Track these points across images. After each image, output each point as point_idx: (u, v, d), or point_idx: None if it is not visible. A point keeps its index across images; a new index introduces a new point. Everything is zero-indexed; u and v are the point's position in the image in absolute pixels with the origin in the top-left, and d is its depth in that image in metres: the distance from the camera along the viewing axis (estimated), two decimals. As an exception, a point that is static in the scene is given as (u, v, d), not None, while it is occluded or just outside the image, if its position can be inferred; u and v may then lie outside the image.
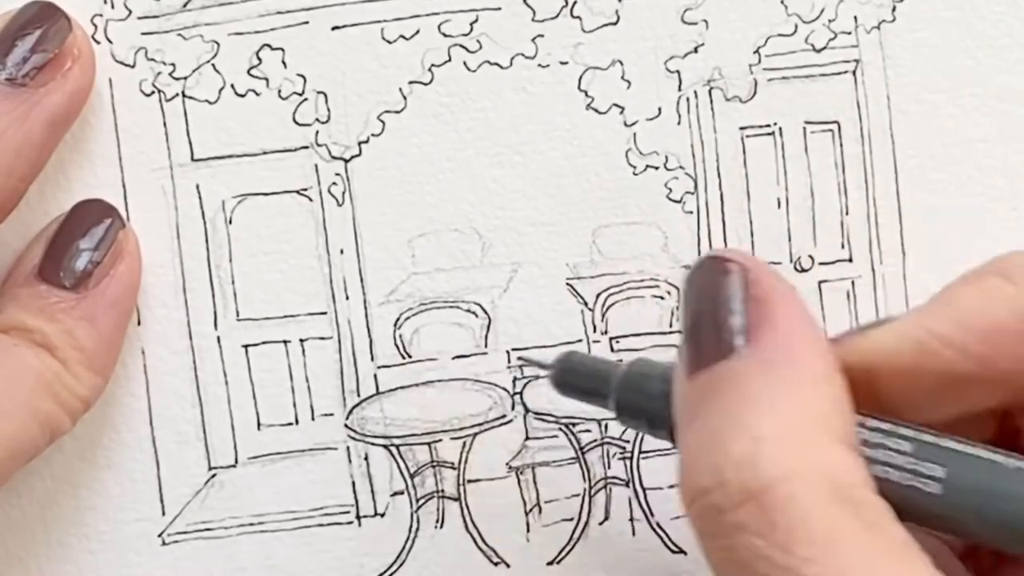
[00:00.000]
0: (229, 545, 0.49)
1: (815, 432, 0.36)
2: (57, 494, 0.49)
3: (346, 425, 0.49)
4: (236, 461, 0.50)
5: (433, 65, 0.49)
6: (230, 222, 0.49)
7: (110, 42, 0.48)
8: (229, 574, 0.49)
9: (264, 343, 0.49)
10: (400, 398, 0.49)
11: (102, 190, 0.48)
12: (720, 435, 0.36)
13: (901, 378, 0.38)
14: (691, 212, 0.49)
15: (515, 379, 0.49)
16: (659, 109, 0.49)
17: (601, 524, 0.49)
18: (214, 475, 0.50)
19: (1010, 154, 0.49)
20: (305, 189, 0.49)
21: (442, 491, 0.50)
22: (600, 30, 0.49)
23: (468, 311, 0.49)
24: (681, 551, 0.49)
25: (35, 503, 0.49)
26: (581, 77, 0.49)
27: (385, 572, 0.50)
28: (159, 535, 0.49)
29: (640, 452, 0.49)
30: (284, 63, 0.49)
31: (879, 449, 0.38)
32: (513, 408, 0.49)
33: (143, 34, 0.48)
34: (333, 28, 0.48)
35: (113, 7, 0.48)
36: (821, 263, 0.49)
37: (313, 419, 0.50)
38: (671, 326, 0.49)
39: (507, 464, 0.50)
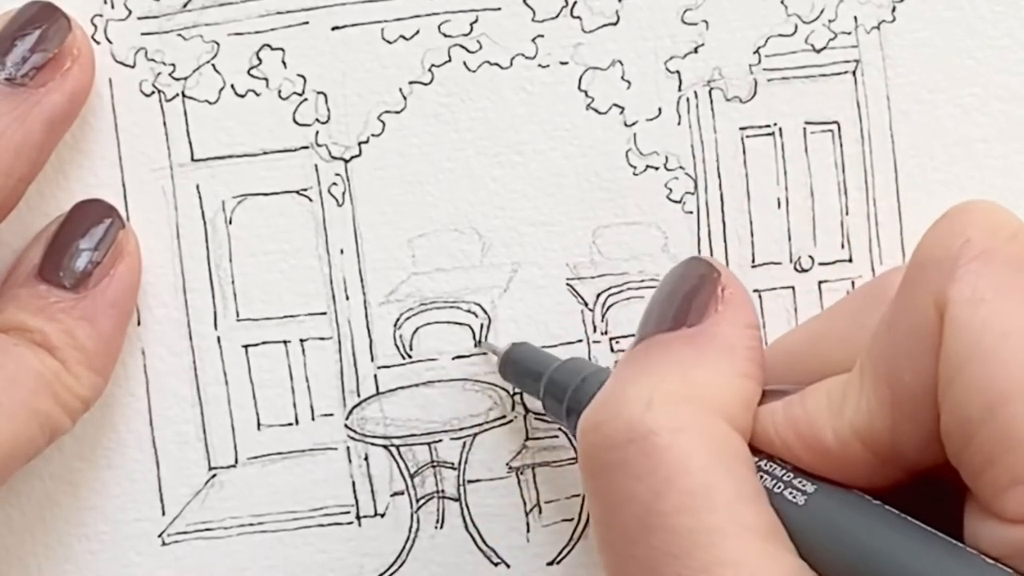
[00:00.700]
0: (229, 545, 0.49)
1: (716, 406, 0.37)
2: (57, 494, 0.49)
3: (346, 425, 0.49)
4: (236, 461, 0.50)
5: (433, 65, 0.49)
6: (230, 222, 0.49)
7: (110, 42, 0.48)
8: (229, 574, 0.49)
9: (264, 343, 0.49)
10: (400, 398, 0.49)
11: (102, 190, 0.48)
12: (629, 382, 0.38)
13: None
14: (691, 212, 0.49)
15: (515, 379, 0.49)
16: (659, 109, 0.49)
17: (601, 524, 0.49)
18: (214, 475, 0.50)
19: (1010, 154, 0.49)
20: (305, 189, 0.49)
21: (442, 491, 0.50)
22: (600, 30, 0.49)
23: (468, 311, 0.49)
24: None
25: (35, 503, 0.49)
26: (581, 77, 0.49)
27: (385, 572, 0.50)
28: (159, 535, 0.49)
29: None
30: (284, 63, 0.49)
31: (765, 459, 0.38)
32: (513, 408, 0.49)
33: (143, 34, 0.48)
34: (333, 28, 0.49)
35: (113, 7, 0.48)
36: (821, 263, 0.49)
37: (313, 419, 0.50)
38: (671, 326, 0.49)
39: (507, 464, 0.50)
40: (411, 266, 0.49)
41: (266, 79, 0.49)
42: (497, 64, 0.49)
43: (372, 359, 0.50)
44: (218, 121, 0.49)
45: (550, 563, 0.50)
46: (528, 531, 0.50)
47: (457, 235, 0.49)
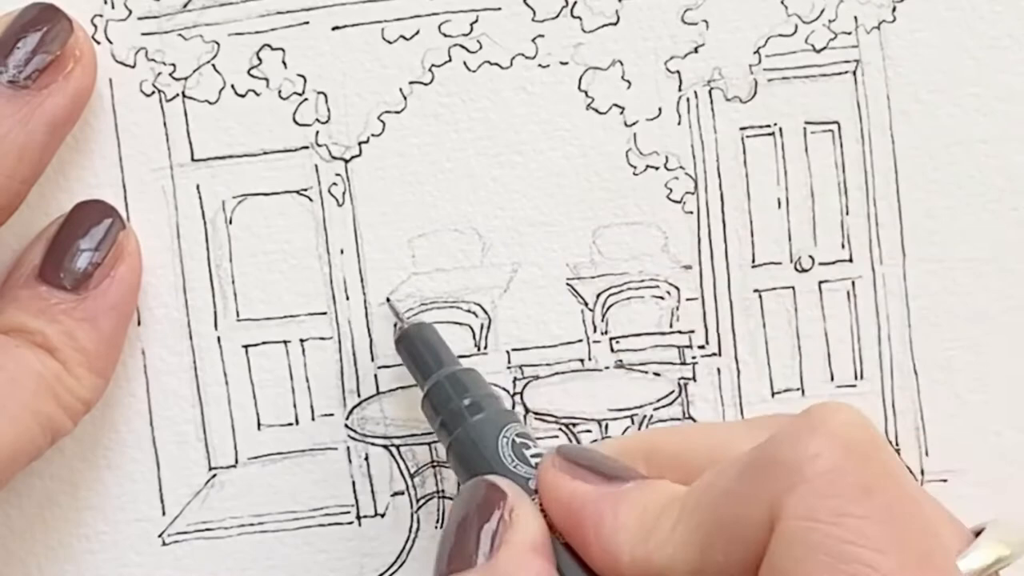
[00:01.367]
0: (229, 545, 0.49)
1: None
2: (57, 494, 0.49)
3: (346, 425, 0.49)
4: (236, 461, 0.50)
5: (433, 65, 0.49)
6: (230, 222, 0.49)
7: (110, 42, 0.48)
8: (229, 574, 0.49)
9: (264, 343, 0.49)
10: (400, 398, 0.49)
11: (102, 190, 0.48)
12: None
13: None
14: (691, 212, 0.49)
15: (515, 379, 0.49)
16: (659, 109, 0.49)
17: (601, 524, 0.49)
18: (214, 475, 0.50)
19: (1010, 154, 0.49)
20: (305, 189, 0.49)
21: (442, 491, 0.50)
22: (600, 30, 0.49)
23: (468, 311, 0.49)
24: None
25: (35, 503, 0.49)
26: (581, 77, 0.49)
27: (385, 572, 0.50)
28: (159, 535, 0.49)
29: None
30: (284, 63, 0.49)
31: None
32: (513, 408, 0.49)
33: (143, 34, 0.48)
34: (333, 28, 0.48)
35: (113, 7, 0.48)
36: (821, 263, 0.49)
37: (313, 419, 0.50)
38: (671, 326, 0.49)
39: (507, 464, 0.50)
40: (411, 266, 0.49)
41: (266, 79, 0.49)
42: (497, 64, 0.49)
43: (372, 359, 0.50)
44: (218, 121, 0.49)
45: (550, 563, 0.50)
46: (528, 531, 0.49)
47: (457, 235, 0.49)
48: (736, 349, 0.49)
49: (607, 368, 0.50)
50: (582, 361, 0.49)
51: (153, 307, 0.49)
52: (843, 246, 0.49)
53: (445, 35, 0.49)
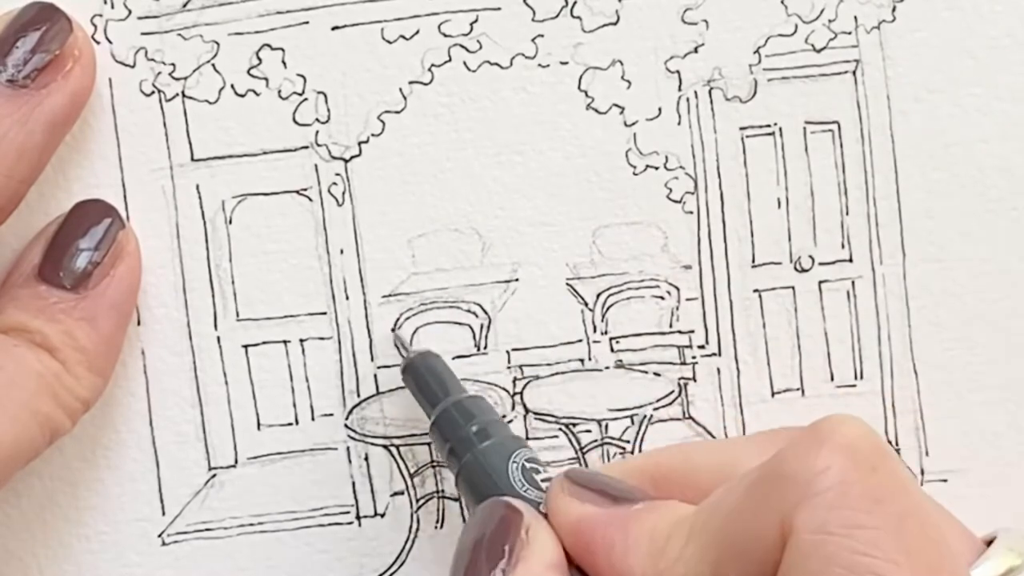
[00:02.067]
0: (229, 545, 0.49)
1: None
2: (57, 494, 0.49)
3: (346, 425, 0.49)
4: (236, 461, 0.50)
5: (433, 65, 0.49)
6: (230, 222, 0.49)
7: (110, 42, 0.48)
8: (229, 574, 0.49)
9: (264, 343, 0.49)
10: (400, 398, 0.49)
11: (102, 190, 0.48)
12: None
13: None
14: (691, 212, 0.49)
15: (515, 379, 0.49)
16: (659, 109, 0.49)
17: (601, 524, 0.49)
18: (214, 475, 0.50)
19: (1010, 154, 0.49)
20: (305, 189, 0.49)
21: (442, 491, 0.50)
22: (600, 30, 0.49)
23: (468, 311, 0.49)
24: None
25: (35, 503, 0.49)
26: (581, 77, 0.49)
27: (385, 572, 0.50)
28: (159, 535, 0.49)
29: (640, 453, 0.49)
30: (284, 63, 0.49)
31: None
32: (513, 408, 0.49)
33: (143, 34, 0.48)
34: (333, 28, 0.48)
35: (113, 7, 0.48)
36: (821, 263, 0.49)
37: (313, 419, 0.50)
38: (671, 326, 0.49)
39: (507, 464, 0.50)
40: (411, 266, 0.49)
41: (266, 79, 0.49)
42: (497, 64, 0.49)
43: (372, 359, 0.50)
44: (218, 121, 0.49)
45: (550, 563, 0.49)
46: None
47: (457, 235, 0.49)
48: (736, 349, 0.49)
49: (607, 368, 0.50)
50: (582, 361, 0.49)
51: (153, 307, 0.49)
52: (843, 246, 0.49)
53: (445, 35, 0.49)
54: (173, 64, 0.48)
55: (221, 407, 0.49)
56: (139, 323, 0.49)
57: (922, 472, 0.49)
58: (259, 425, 0.50)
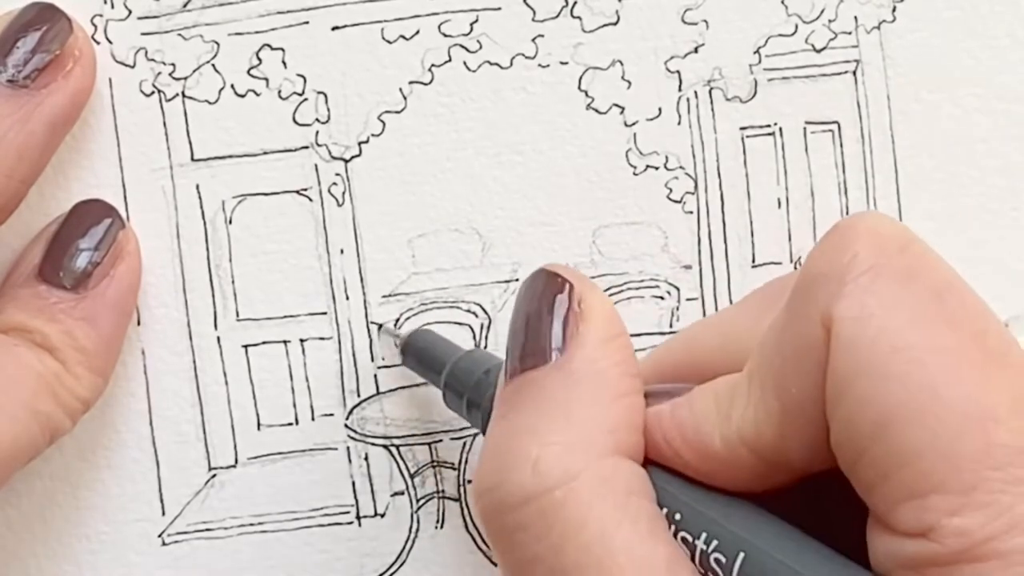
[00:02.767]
0: (229, 545, 0.49)
1: (602, 442, 0.37)
2: (57, 494, 0.49)
3: (346, 425, 0.49)
4: (236, 461, 0.50)
5: (433, 65, 0.49)
6: (230, 222, 0.49)
7: (110, 42, 0.48)
8: (229, 574, 0.49)
9: (264, 343, 0.49)
10: (400, 398, 0.49)
11: (102, 190, 0.48)
12: (512, 438, 0.37)
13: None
14: (691, 212, 0.49)
15: (515, 379, 0.49)
16: (659, 109, 0.49)
17: (601, 524, 0.49)
18: (214, 475, 0.50)
19: (1010, 154, 0.49)
20: (305, 189, 0.49)
21: (442, 491, 0.50)
22: (600, 30, 0.49)
23: (468, 311, 0.49)
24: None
25: (35, 503, 0.49)
26: (581, 77, 0.49)
27: (385, 572, 0.50)
28: (159, 535, 0.49)
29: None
30: (284, 63, 0.49)
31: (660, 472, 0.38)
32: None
33: (143, 34, 0.48)
34: (333, 28, 0.48)
35: (113, 7, 0.48)
36: (821, 263, 0.49)
37: (313, 419, 0.50)
38: (671, 326, 0.49)
39: (507, 464, 0.49)
40: (411, 266, 0.49)
41: (266, 79, 0.49)
42: (497, 64, 0.49)
43: (372, 359, 0.50)
44: (218, 121, 0.49)
45: (550, 563, 0.49)
46: (528, 531, 0.49)
47: (457, 235, 0.49)
48: (736, 349, 0.49)
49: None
50: (582, 361, 0.49)
51: (153, 307, 0.49)
52: (843, 246, 0.49)
53: (445, 35, 0.49)
54: (173, 64, 0.48)
55: (221, 407, 0.49)
56: (139, 323, 0.49)
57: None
58: (259, 425, 0.50)
